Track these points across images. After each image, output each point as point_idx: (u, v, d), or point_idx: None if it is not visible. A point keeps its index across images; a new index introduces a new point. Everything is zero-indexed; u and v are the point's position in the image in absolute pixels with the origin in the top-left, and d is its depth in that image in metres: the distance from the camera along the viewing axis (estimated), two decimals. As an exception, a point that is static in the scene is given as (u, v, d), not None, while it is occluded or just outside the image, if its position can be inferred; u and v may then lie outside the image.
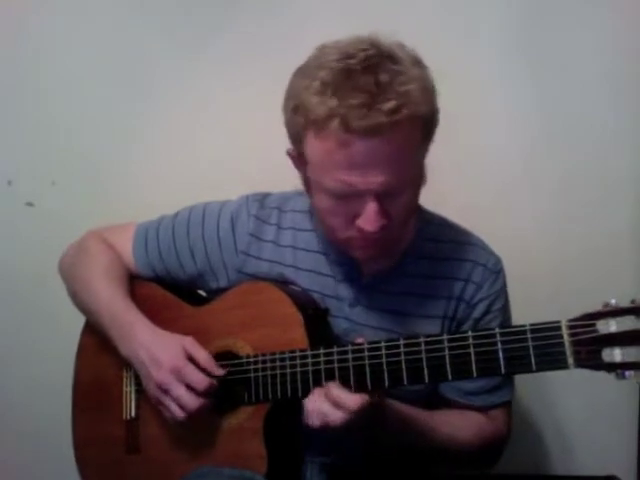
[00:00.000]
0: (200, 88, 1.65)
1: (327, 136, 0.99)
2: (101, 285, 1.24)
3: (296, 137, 1.06)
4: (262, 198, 1.26)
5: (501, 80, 1.58)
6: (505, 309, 1.21)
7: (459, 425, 1.16)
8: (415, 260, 1.19)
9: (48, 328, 1.69)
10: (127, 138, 1.68)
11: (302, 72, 1.05)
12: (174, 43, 1.64)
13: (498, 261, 1.21)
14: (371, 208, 1.02)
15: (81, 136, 1.69)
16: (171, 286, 1.28)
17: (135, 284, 1.28)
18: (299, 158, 1.09)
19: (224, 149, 1.65)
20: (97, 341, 1.26)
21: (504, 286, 1.21)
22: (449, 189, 1.54)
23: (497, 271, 1.20)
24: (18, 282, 1.72)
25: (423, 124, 1.02)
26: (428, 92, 1.02)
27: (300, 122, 1.02)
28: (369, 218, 1.02)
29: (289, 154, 1.12)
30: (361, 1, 1.58)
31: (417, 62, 1.03)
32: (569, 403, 1.64)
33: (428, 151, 1.07)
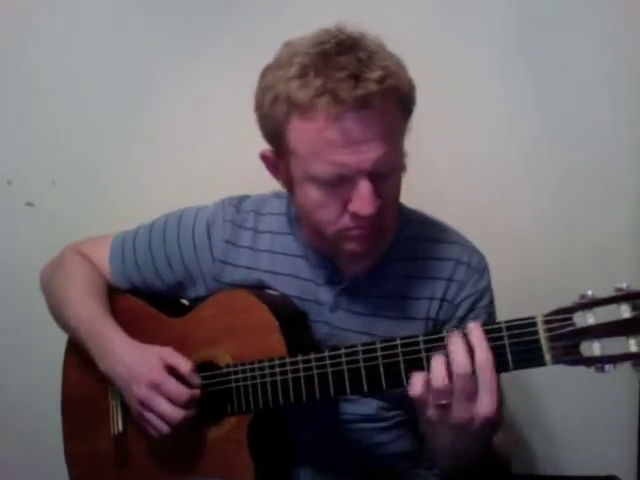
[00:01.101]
0: (200, 88, 1.65)
1: (316, 115, 0.97)
2: (78, 300, 1.21)
3: (276, 130, 1.03)
4: (238, 202, 1.24)
5: (501, 80, 1.58)
6: (490, 307, 1.18)
7: None
8: (395, 261, 1.16)
9: (48, 328, 1.68)
10: (127, 138, 1.68)
11: (273, 66, 1.04)
12: (174, 43, 1.64)
13: (482, 259, 1.18)
14: (364, 187, 0.99)
15: (81, 136, 1.69)
16: (150, 297, 1.26)
17: (114, 296, 1.26)
18: (279, 154, 1.07)
19: (224, 149, 1.64)
20: (81, 356, 1.23)
21: (489, 284, 1.18)
22: (449, 189, 1.55)
23: (481, 269, 1.17)
24: (18, 282, 1.72)
25: (402, 102, 1.02)
26: (404, 69, 1.03)
27: (282, 110, 1.00)
28: (364, 199, 1.00)
29: (264, 156, 1.11)
30: (361, 1, 1.57)
31: (384, 46, 1.03)
32: (569, 403, 1.64)
33: (406, 135, 1.06)
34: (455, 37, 1.57)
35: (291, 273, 1.18)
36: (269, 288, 1.18)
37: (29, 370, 1.74)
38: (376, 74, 0.96)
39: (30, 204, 1.72)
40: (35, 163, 1.71)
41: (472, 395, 0.89)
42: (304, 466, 1.16)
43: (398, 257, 1.16)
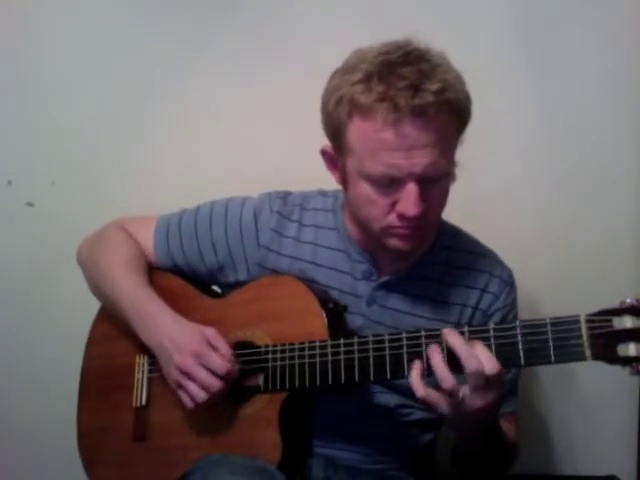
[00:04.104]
0: (200, 88, 1.65)
1: (375, 118, 1.04)
2: (122, 274, 1.25)
3: (337, 129, 1.10)
4: (285, 195, 1.29)
5: (501, 80, 1.58)
6: (515, 320, 1.21)
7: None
8: (430, 266, 1.22)
9: (48, 328, 1.69)
10: (127, 138, 1.68)
11: (341, 71, 1.10)
12: (174, 43, 1.64)
13: (511, 273, 1.26)
14: (412, 190, 1.06)
15: (81, 136, 1.69)
16: (189, 278, 1.30)
17: (154, 275, 1.29)
18: (338, 151, 1.13)
19: (224, 149, 1.65)
20: (110, 329, 1.29)
21: (516, 298, 1.25)
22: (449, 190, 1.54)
23: (511, 283, 1.25)
24: (18, 282, 1.72)
25: (457, 114, 1.08)
26: (463, 84, 1.09)
27: (344, 111, 1.07)
28: (410, 201, 1.06)
29: (324, 151, 1.17)
30: (361, 1, 1.58)
31: (447, 61, 1.09)
32: (569, 403, 1.64)
33: (458, 147, 1.13)
34: (455, 37, 1.56)
35: (332, 266, 1.23)
36: (310, 279, 1.22)
37: (29, 370, 1.74)
38: (435, 86, 1.03)
39: (30, 204, 1.72)
40: (35, 163, 1.70)
41: (482, 387, 0.98)
42: (318, 455, 1.19)
43: (434, 262, 1.23)
